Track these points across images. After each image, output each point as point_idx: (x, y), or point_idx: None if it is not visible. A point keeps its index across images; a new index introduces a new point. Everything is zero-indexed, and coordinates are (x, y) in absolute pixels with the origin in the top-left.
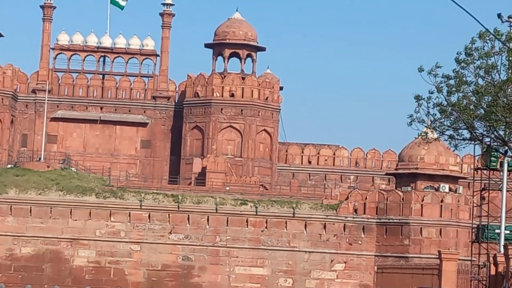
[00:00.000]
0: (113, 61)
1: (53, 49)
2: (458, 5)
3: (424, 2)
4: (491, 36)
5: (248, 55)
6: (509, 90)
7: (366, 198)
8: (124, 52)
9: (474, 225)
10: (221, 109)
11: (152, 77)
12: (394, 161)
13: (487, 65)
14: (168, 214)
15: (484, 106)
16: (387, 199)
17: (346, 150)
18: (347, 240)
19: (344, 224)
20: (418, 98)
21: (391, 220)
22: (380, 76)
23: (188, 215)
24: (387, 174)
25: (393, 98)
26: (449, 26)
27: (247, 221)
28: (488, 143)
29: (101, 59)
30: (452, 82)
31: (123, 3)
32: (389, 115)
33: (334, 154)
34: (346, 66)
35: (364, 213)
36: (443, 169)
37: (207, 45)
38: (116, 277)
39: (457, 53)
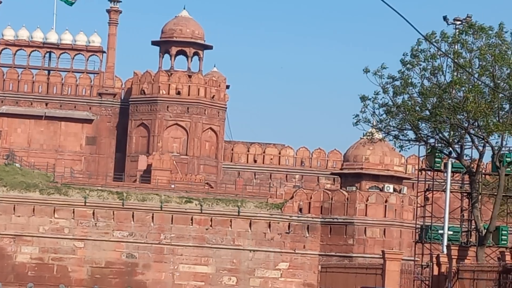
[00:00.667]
0: (59, 57)
1: None
2: (395, 10)
3: (370, 2)
4: (437, 38)
5: (195, 53)
6: (454, 92)
7: (311, 198)
8: (70, 48)
9: (417, 226)
10: (167, 107)
11: (98, 73)
12: (339, 161)
13: (432, 66)
14: (113, 211)
15: (429, 108)
16: (331, 199)
17: (292, 150)
18: (292, 239)
19: (289, 223)
20: (363, 98)
21: (335, 220)
22: (327, 76)
23: (133, 213)
24: (332, 174)
25: (339, 98)
26: (396, 27)
27: (192, 219)
28: (433, 144)
29: (47, 55)
30: (398, 83)
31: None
32: (335, 115)
33: (279, 153)
34: (292, 65)
35: (309, 213)
36: (388, 170)
37: (154, 43)
38: (60, 274)
39: (403, 54)
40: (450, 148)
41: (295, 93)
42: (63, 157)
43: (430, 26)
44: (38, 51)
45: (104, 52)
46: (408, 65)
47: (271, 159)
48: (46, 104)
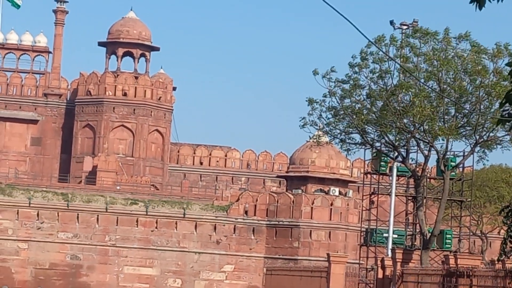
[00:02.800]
0: (4, 57)
1: None
2: (341, 14)
3: (320, 4)
4: (387, 41)
5: (142, 55)
6: (401, 95)
7: (256, 200)
8: (15, 48)
9: (362, 229)
10: (113, 108)
11: (44, 74)
12: (286, 163)
13: (380, 70)
14: (57, 213)
15: (376, 111)
16: (277, 202)
17: (238, 152)
18: (237, 242)
19: (235, 226)
20: (311, 101)
21: (281, 223)
22: (274, 78)
23: (78, 214)
24: (278, 176)
25: (286, 101)
26: (345, 29)
27: (137, 221)
28: (379, 147)
29: None
30: (346, 86)
31: (19, 2)
32: (282, 117)
33: (226, 155)
34: (239, 67)
35: (255, 215)
36: (334, 173)
37: (100, 44)
38: (3, 275)
39: (352, 57)
40: (396, 152)
41: (242, 95)
42: (8, 157)
43: (379, 30)
44: None
45: (50, 52)
46: (356, 68)
47: (217, 161)
48: None
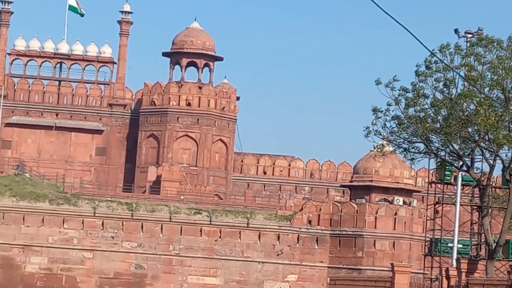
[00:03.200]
0: (70, 68)
1: (9, 54)
2: (403, 26)
3: (383, 14)
4: (451, 50)
5: (206, 65)
6: (465, 104)
7: (320, 210)
8: (81, 59)
9: (427, 239)
10: (177, 118)
11: (108, 84)
12: (349, 173)
13: (445, 78)
14: (122, 222)
15: (441, 120)
16: (341, 211)
17: (302, 161)
18: (301, 251)
19: (298, 235)
20: (375, 110)
21: (344, 232)
22: (338, 88)
23: (142, 223)
24: (342, 186)
25: (349, 110)
26: (408, 38)
27: (201, 231)
28: (443, 157)
29: (58, 65)
30: (410, 95)
31: (82, 11)
32: (345, 127)
33: (289, 165)
34: (303, 76)
35: (318, 225)
36: (398, 182)
37: (164, 54)
38: (68, 284)
39: (416, 65)
40: (460, 161)
41: (305, 104)
42: (73, 167)
43: (444, 38)
44: (49, 61)
45: (115, 63)
46: (421, 77)
47: (281, 171)
48: (57, 115)
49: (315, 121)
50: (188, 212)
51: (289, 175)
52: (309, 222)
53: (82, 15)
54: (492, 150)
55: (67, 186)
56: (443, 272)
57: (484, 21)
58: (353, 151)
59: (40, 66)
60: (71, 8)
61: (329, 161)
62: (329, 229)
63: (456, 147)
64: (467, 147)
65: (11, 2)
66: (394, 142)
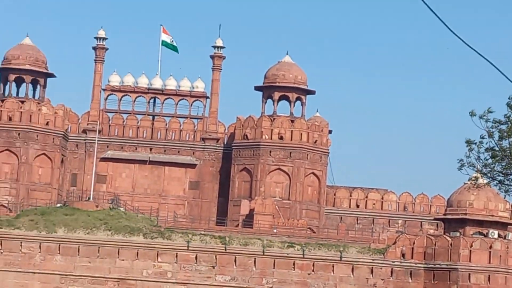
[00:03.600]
0: (163, 103)
1: (104, 90)
2: (491, 64)
3: (475, 46)
4: None
5: (298, 98)
6: None
7: (414, 243)
8: (174, 94)
9: None
10: (270, 152)
11: (201, 118)
12: (443, 206)
13: None
14: (215, 256)
15: None
16: (435, 244)
17: (394, 195)
18: (395, 285)
19: (392, 269)
20: (469, 142)
21: (438, 266)
22: (430, 120)
23: (235, 257)
24: (435, 219)
25: (442, 143)
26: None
27: (294, 264)
28: None
29: (152, 100)
30: (503, 127)
31: (174, 43)
32: (438, 159)
33: (382, 198)
34: (395, 110)
35: (412, 258)
36: (492, 215)
37: (257, 88)
38: None
39: (509, 98)
40: None
41: (398, 137)
42: (167, 201)
43: None
44: (143, 96)
45: (208, 97)
46: None
47: (374, 204)
48: (151, 149)
49: (408, 153)
50: (281, 245)
51: (382, 208)
52: (403, 255)
53: (176, 51)
54: None
55: (161, 220)
56: None
57: None
58: (446, 184)
59: (134, 101)
60: (165, 43)
61: (422, 194)
62: (423, 262)
63: None
64: None
65: (105, 39)
66: (488, 175)
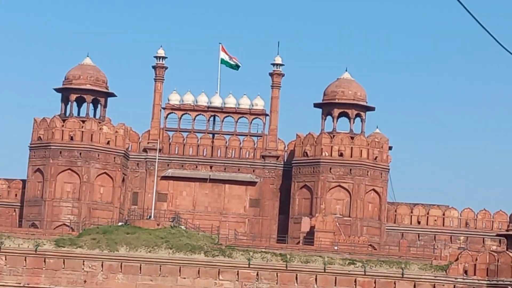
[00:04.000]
0: (223, 120)
1: (164, 108)
2: None
3: None
4: None
5: (357, 115)
6: None
7: (476, 259)
8: (234, 112)
9: None
10: (330, 169)
11: (261, 136)
12: (505, 222)
13: None
14: (276, 273)
15: None
16: (498, 261)
17: (456, 211)
18: None
19: (454, 286)
20: None
21: (501, 282)
22: (492, 135)
23: (297, 274)
24: (498, 235)
25: (504, 158)
26: None
27: (355, 281)
28: None
29: (211, 118)
30: None
31: (235, 62)
32: (500, 175)
33: (443, 214)
34: (455, 125)
35: (475, 275)
36: None
37: (316, 105)
38: None
39: None
40: None
41: (458, 153)
42: (227, 219)
43: None
44: (202, 115)
45: (267, 115)
46: None
47: (435, 220)
48: (211, 167)
49: (469, 169)
50: (342, 262)
51: (443, 225)
52: (465, 272)
53: (237, 69)
54: None
55: (222, 238)
56: None
57: None
58: (509, 200)
59: (194, 119)
60: (224, 62)
61: (484, 210)
62: (485, 279)
63: None
64: None
65: (165, 58)
66: None
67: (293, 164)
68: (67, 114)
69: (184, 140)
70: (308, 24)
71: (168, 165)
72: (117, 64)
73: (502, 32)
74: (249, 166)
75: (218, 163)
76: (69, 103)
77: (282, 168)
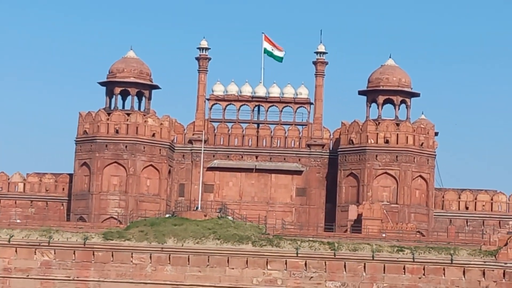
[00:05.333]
0: (267, 110)
1: (208, 99)
2: None
3: None
4: None
5: (402, 101)
6: None
7: None
8: (278, 101)
9: None
10: (376, 156)
11: (306, 125)
12: None
13: None
14: (325, 262)
15: None
16: None
17: (504, 195)
18: (508, 287)
19: (504, 271)
20: None
21: None
22: None
23: (345, 263)
24: None
25: None
26: None
27: (404, 268)
28: None
29: (256, 108)
30: None
31: (280, 54)
32: None
33: (491, 199)
34: (502, 108)
35: None
36: None
37: (360, 92)
38: None
39: None
40: None
41: (505, 137)
42: (274, 208)
43: None
44: (247, 105)
45: (312, 103)
46: None
47: (483, 205)
48: (256, 157)
49: None
50: (390, 250)
51: (492, 210)
52: None
53: (281, 60)
54: None
55: (269, 228)
56: None
57: None
58: None
59: (239, 109)
60: (266, 52)
61: None
62: None
63: None
64: None
65: (208, 49)
66: None
67: (339, 152)
68: (112, 108)
69: (229, 130)
70: (351, 11)
71: (213, 156)
72: (160, 56)
73: None
74: (294, 155)
75: (264, 153)
76: (114, 96)
77: (328, 156)
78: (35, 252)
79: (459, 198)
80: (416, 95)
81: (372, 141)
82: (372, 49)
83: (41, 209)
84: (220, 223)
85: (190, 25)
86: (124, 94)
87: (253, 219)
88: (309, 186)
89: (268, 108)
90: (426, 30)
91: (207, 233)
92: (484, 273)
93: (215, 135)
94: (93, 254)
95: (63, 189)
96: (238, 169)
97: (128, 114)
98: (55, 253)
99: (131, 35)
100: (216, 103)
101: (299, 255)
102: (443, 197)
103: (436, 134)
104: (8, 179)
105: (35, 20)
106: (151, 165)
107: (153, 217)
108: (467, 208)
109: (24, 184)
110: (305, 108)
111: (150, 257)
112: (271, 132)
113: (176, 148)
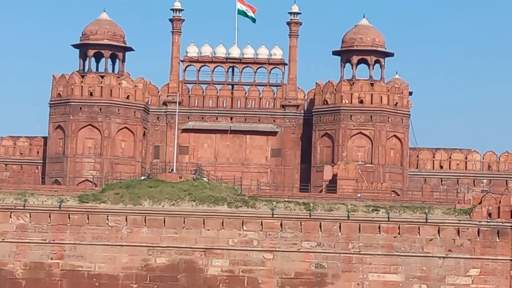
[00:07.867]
0: (241, 71)
1: (182, 61)
2: None
3: None
4: None
5: (376, 61)
6: None
7: (500, 202)
8: (252, 62)
9: None
10: (351, 116)
11: (280, 86)
12: None
13: None
14: (300, 222)
15: None
16: None
17: (478, 154)
18: (482, 245)
19: (478, 229)
20: None
21: None
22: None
23: (320, 223)
24: None
25: None
26: None
27: (379, 228)
28: None
29: (230, 69)
30: None
31: (252, 15)
32: None
33: (466, 158)
34: (476, 67)
35: (499, 217)
36: None
37: (334, 52)
38: (250, 285)
39: None
40: None
41: (479, 96)
42: (249, 170)
43: None
44: (221, 66)
45: (286, 64)
46: None
47: (458, 164)
48: (231, 118)
49: (491, 111)
50: (365, 209)
51: (466, 168)
52: (489, 215)
53: (254, 21)
54: None
55: (245, 189)
56: None
57: None
58: None
59: (213, 71)
60: (240, 12)
61: (507, 152)
62: (510, 221)
63: None
64: None
65: (182, 10)
66: None
67: (313, 113)
68: (86, 70)
69: (203, 92)
70: None
71: (188, 118)
72: (134, 18)
73: None
74: (269, 116)
75: (238, 114)
76: (87, 58)
77: (302, 117)
78: (10, 215)
79: (434, 157)
80: (390, 54)
81: (347, 101)
82: (346, 9)
83: (15, 173)
84: (196, 184)
85: None
86: (98, 57)
87: (229, 181)
88: (284, 147)
89: (242, 69)
90: None
91: (182, 195)
92: (458, 232)
93: (189, 96)
94: (69, 217)
95: (38, 152)
96: (213, 130)
97: (102, 77)
98: (30, 217)
99: None
100: (190, 65)
101: (274, 215)
102: (417, 156)
103: (410, 93)
104: None
105: None
106: (125, 127)
107: (128, 180)
108: (441, 167)
109: None
110: (280, 69)
111: (126, 219)
112: (246, 93)
113: (150, 110)
